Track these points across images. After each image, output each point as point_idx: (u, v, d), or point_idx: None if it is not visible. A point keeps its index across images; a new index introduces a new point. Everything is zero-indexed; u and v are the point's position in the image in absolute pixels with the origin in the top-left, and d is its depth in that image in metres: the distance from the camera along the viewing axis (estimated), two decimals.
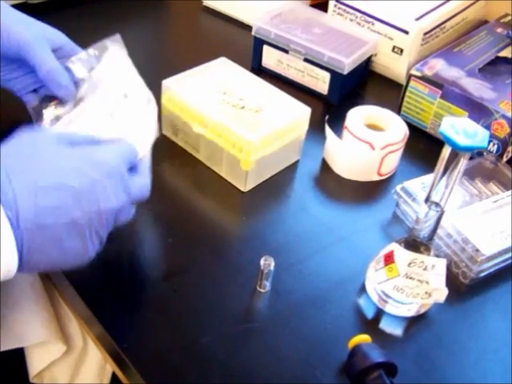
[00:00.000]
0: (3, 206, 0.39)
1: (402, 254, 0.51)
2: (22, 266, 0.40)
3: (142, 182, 0.49)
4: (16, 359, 0.65)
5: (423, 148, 0.72)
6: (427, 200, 0.49)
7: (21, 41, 0.55)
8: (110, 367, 0.69)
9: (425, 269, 0.51)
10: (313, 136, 0.68)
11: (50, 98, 0.58)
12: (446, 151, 0.45)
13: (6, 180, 0.39)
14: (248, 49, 0.82)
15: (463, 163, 0.45)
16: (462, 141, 0.43)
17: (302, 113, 0.64)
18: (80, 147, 0.45)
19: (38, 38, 0.56)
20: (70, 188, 0.42)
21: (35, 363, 0.64)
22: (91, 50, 0.58)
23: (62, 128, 0.53)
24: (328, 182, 0.66)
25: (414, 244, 0.52)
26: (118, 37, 0.58)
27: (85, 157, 0.44)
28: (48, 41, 0.56)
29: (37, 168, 0.41)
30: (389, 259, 0.52)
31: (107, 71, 0.56)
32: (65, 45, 0.58)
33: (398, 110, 0.74)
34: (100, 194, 0.43)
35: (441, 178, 0.47)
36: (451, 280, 0.55)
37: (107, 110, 0.54)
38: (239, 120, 0.61)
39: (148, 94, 0.56)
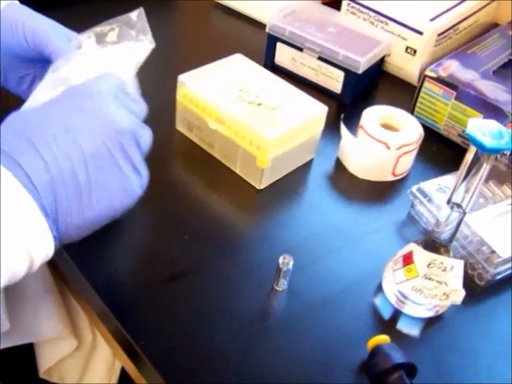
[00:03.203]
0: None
1: (421, 255, 0.51)
2: (67, 228, 0.40)
3: (138, 101, 0.48)
4: (25, 355, 0.65)
5: (436, 149, 0.72)
6: (449, 201, 0.48)
7: (39, 34, 0.54)
8: (119, 363, 0.69)
9: (444, 270, 0.51)
10: (326, 135, 0.67)
11: None
12: (471, 153, 0.45)
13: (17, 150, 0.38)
14: (260, 46, 0.81)
15: (487, 165, 0.45)
16: (488, 142, 0.43)
17: (318, 111, 0.63)
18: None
19: (56, 30, 0.55)
20: (73, 123, 0.40)
21: (45, 359, 0.64)
22: (109, 26, 0.57)
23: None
24: (342, 181, 0.66)
25: (433, 245, 0.51)
26: (141, 11, 0.57)
27: (79, 93, 0.43)
28: (66, 36, 0.55)
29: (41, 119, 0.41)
30: (408, 260, 0.52)
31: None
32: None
33: (410, 111, 0.74)
34: (106, 117, 0.42)
35: (463, 179, 0.47)
36: (466, 282, 0.54)
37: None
38: (256, 117, 0.60)
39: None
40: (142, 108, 0.48)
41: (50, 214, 0.39)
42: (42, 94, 0.49)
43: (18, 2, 0.57)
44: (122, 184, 0.42)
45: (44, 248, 0.38)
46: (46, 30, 0.54)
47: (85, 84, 0.45)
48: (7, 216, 0.36)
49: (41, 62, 0.56)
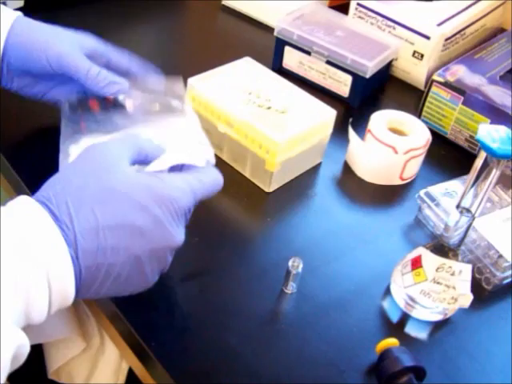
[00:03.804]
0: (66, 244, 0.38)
1: (429, 259, 0.51)
2: (77, 297, 0.40)
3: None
4: (34, 355, 0.65)
5: (443, 154, 0.72)
6: (458, 206, 0.49)
7: (60, 55, 0.54)
8: (127, 365, 0.69)
9: (452, 274, 0.51)
10: (334, 139, 0.68)
11: (85, 100, 0.57)
12: (481, 159, 0.46)
13: (68, 217, 0.39)
14: (267, 49, 0.82)
15: (497, 171, 0.46)
16: (498, 148, 0.43)
17: (327, 115, 0.64)
18: (153, 178, 0.43)
19: (73, 47, 0.55)
20: (133, 227, 0.40)
21: (54, 359, 0.64)
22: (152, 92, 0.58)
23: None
24: (350, 185, 0.67)
25: (441, 249, 0.52)
26: (180, 79, 0.58)
27: (156, 195, 0.41)
28: (81, 48, 0.56)
29: (101, 203, 0.40)
30: (416, 263, 0.52)
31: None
32: (97, 48, 0.58)
33: (417, 115, 0.74)
34: (164, 233, 0.42)
35: (473, 184, 0.47)
36: (474, 286, 0.55)
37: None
38: (265, 120, 0.61)
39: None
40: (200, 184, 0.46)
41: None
42: None
43: (21, 14, 0.57)
44: (137, 284, 0.43)
45: (64, 299, 0.39)
46: (69, 52, 0.55)
47: (170, 180, 0.43)
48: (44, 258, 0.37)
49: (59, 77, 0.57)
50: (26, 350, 0.37)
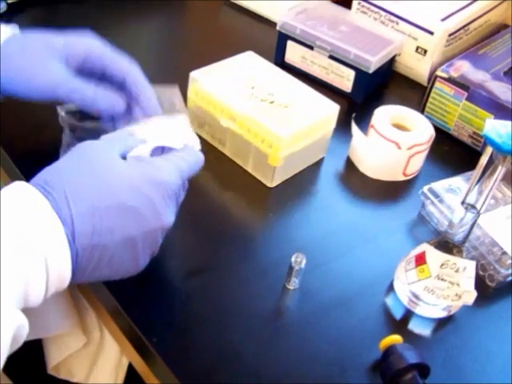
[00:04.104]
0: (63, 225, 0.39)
1: (434, 255, 0.51)
2: (73, 280, 0.41)
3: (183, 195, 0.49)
4: (33, 351, 0.64)
5: (446, 150, 0.72)
6: (463, 202, 0.48)
7: (47, 87, 0.51)
8: (126, 361, 0.69)
9: (456, 271, 0.51)
10: (336, 134, 0.67)
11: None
12: (486, 155, 0.45)
13: (65, 201, 0.40)
14: (269, 44, 0.81)
15: (503, 167, 0.45)
16: (505, 144, 0.43)
17: (330, 110, 0.63)
18: (141, 163, 0.45)
19: (61, 71, 0.51)
20: (128, 208, 0.42)
21: (54, 354, 0.64)
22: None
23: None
24: (353, 180, 0.66)
25: (446, 246, 0.51)
26: (176, 88, 0.58)
27: (145, 176, 0.44)
28: (70, 64, 0.52)
29: (95, 188, 0.41)
30: (420, 260, 0.52)
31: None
32: (90, 54, 0.53)
33: (420, 111, 0.74)
34: (156, 213, 0.43)
35: (478, 181, 0.47)
36: (477, 282, 0.54)
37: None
38: (268, 115, 0.60)
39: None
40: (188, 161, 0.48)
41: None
42: None
43: (17, 30, 0.54)
44: (130, 265, 0.44)
45: (61, 281, 0.40)
46: (57, 82, 0.51)
47: (162, 164, 0.45)
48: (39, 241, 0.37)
49: None
50: (26, 331, 0.37)
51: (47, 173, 0.42)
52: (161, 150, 0.50)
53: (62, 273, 0.39)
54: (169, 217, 0.44)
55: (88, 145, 0.44)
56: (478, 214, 0.48)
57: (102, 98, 0.52)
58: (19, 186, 0.40)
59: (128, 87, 0.53)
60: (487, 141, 0.44)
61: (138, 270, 0.45)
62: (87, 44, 0.54)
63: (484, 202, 0.48)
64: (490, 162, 0.45)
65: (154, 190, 0.43)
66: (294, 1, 0.82)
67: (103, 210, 0.41)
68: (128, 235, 0.42)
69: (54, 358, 0.64)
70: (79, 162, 0.43)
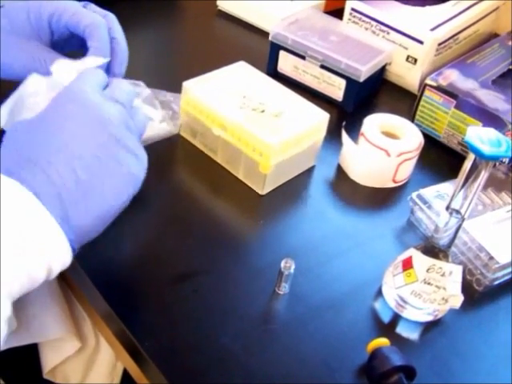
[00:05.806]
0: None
1: (420, 260, 0.52)
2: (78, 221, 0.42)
3: (119, 86, 0.50)
4: (29, 355, 0.65)
5: (436, 157, 0.73)
6: (448, 208, 0.49)
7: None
8: (121, 365, 0.70)
9: (442, 275, 0.52)
10: (327, 142, 0.68)
11: None
12: (470, 161, 0.46)
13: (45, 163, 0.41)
14: (262, 53, 0.83)
15: (485, 172, 0.46)
16: (487, 150, 0.44)
17: (320, 118, 0.64)
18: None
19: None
20: (98, 116, 0.43)
21: (49, 359, 0.64)
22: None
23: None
24: (343, 187, 0.67)
25: (432, 250, 0.52)
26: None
27: (65, 98, 0.45)
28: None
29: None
30: (407, 264, 0.53)
31: None
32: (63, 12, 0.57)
33: (411, 119, 0.75)
34: (97, 118, 0.44)
35: (462, 186, 0.48)
36: (465, 287, 0.55)
37: None
38: (259, 124, 0.61)
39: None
40: (124, 91, 0.49)
41: (63, 220, 0.40)
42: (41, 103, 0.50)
43: None
44: (123, 173, 0.45)
45: (62, 255, 0.41)
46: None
47: (69, 87, 0.46)
48: (22, 226, 0.38)
49: None
50: (13, 323, 0.38)
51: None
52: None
53: (54, 230, 0.40)
54: (107, 111, 0.45)
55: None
56: (463, 218, 0.49)
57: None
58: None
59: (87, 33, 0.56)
60: (469, 147, 0.45)
61: (132, 173, 0.45)
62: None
63: (468, 207, 0.49)
64: (474, 167, 0.46)
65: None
66: (287, 11, 0.84)
67: (51, 154, 0.42)
68: (86, 155, 0.43)
69: (50, 363, 0.64)
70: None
